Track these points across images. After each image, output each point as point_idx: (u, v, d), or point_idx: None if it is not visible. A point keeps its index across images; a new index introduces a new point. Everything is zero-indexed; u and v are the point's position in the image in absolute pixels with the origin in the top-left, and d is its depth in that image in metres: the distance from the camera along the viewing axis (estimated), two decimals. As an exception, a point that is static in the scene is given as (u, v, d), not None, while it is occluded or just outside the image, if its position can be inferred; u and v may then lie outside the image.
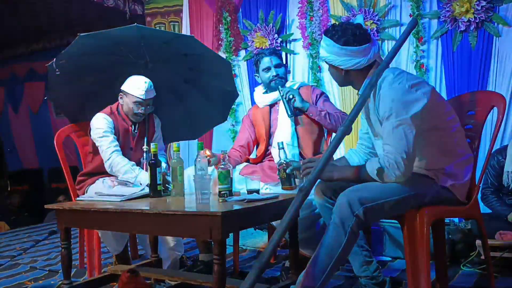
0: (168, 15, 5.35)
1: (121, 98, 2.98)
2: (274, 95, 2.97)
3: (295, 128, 2.91)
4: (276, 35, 4.45)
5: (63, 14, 6.56)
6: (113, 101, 3.06)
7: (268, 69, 2.96)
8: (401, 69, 2.08)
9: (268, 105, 3.03)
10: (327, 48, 2.11)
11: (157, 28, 5.34)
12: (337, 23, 2.15)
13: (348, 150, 2.45)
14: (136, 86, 2.90)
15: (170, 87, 3.19)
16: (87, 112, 3.13)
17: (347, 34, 2.07)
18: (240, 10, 4.74)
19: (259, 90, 3.10)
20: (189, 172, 2.69)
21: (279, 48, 4.45)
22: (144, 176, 2.75)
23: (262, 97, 3.04)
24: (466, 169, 2.06)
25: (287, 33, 4.47)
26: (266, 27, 4.47)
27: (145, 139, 3.03)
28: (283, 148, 2.44)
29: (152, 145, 2.58)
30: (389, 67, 2.02)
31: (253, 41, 4.56)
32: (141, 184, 2.74)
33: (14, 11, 6.27)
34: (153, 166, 2.48)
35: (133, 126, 3.03)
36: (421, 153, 2.04)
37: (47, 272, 3.24)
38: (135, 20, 6.27)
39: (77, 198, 2.75)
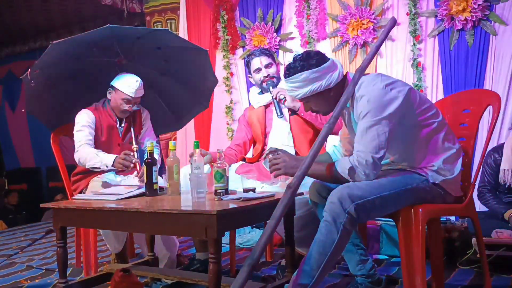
0: (164, 12, 5.35)
1: (109, 93, 3.00)
2: (269, 95, 2.95)
3: (290, 128, 2.91)
4: (274, 34, 4.45)
5: (60, 12, 6.54)
6: (91, 102, 3.09)
7: (258, 70, 2.94)
8: (378, 73, 2.11)
9: (263, 105, 3.01)
10: (306, 82, 2.07)
11: (155, 26, 5.34)
12: (291, 62, 2.14)
13: (331, 146, 2.44)
14: (127, 84, 2.93)
15: (147, 82, 3.19)
16: (65, 117, 3.17)
17: (312, 57, 2.08)
18: (237, 8, 4.74)
19: (254, 90, 3.08)
20: (185, 171, 2.70)
21: (278, 46, 4.45)
22: (108, 158, 2.78)
23: (257, 98, 3.02)
24: (455, 163, 2.07)
25: (284, 31, 4.47)
26: (265, 25, 4.46)
27: (132, 132, 3.05)
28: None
29: (148, 143, 2.58)
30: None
31: (251, 39, 4.56)
32: (107, 166, 2.78)
33: (12, 9, 6.26)
34: (149, 164, 2.47)
35: (118, 121, 3.05)
36: (408, 152, 2.06)
37: (44, 271, 3.24)
38: (133, 18, 6.35)
39: (73, 197, 2.75)
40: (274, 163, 2.15)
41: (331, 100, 2.11)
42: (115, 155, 2.78)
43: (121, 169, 2.77)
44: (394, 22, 2.12)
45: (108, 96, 3.01)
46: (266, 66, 2.93)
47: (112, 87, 2.98)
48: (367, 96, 1.96)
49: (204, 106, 3.56)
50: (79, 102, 3.13)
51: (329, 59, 2.12)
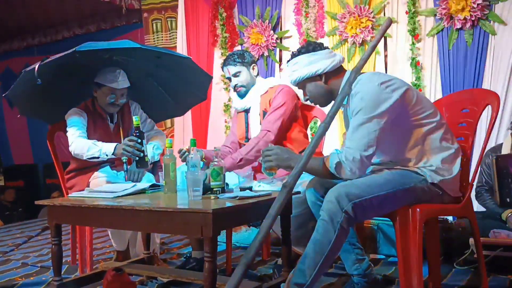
0: (165, 10, 5.33)
1: (95, 91, 2.96)
2: (245, 102, 2.90)
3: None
4: (272, 32, 4.43)
5: (58, 9, 6.51)
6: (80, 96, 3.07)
7: (229, 78, 2.91)
8: (377, 71, 2.13)
9: (242, 110, 2.97)
10: (300, 66, 2.17)
11: (153, 24, 5.32)
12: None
13: (333, 150, 2.43)
14: (109, 77, 2.88)
15: (144, 73, 3.17)
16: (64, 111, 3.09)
17: (310, 44, 2.21)
18: (236, 6, 4.72)
19: (234, 94, 3.01)
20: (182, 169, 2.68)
21: (275, 44, 4.43)
22: (108, 146, 2.73)
23: (237, 103, 2.97)
24: (454, 162, 2.05)
25: (283, 29, 4.45)
26: (262, 23, 4.45)
27: (121, 129, 3.03)
28: None
29: (134, 118, 2.64)
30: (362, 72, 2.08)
31: (249, 37, 4.54)
32: (107, 155, 2.74)
33: (9, 5, 6.22)
34: (138, 138, 2.61)
35: (109, 118, 3.02)
36: (403, 152, 2.05)
37: (39, 268, 3.22)
38: (131, 15, 6.31)
39: (69, 195, 2.73)
40: (266, 155, 2.17)
41: (323, 89, 2.18)
42: (115, 143, 2.74)
43: (129, 156, 2.69)
44: (389, 23, 2.14)
45: (95, 94, 2.97)
46: (234, 75, 2.87)
47: (96, 83, 2.93)
48: (361, 93, 1.98)
49: (179, 114, 3.63)
50: (74, 96, 3.09)
51: (325, 48, 2.20)
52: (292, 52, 2.25)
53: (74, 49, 2.58)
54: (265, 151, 2.18)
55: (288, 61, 2.25)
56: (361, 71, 2.04)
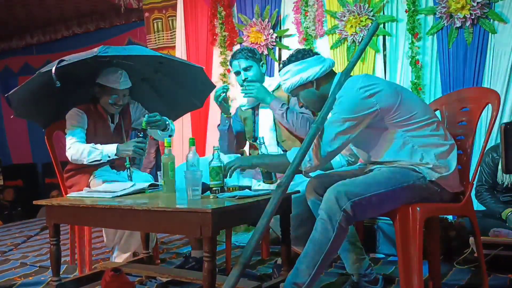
0: (165, 9, 5.31)
1: (97, 91, 2.95)
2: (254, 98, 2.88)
3: (275, 129, 2.83)
4: (271, 30, 4.42)
5: (57, 7, 6.50)
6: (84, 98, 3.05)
7: (238, 73, 2.86)
8: (366, 74, 2.19)
9: (250, 107, 2.95)
10: (291, 74, 2.21)
11: (154, 23, 5.31)
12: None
13: None
14: (111, 78, 2.88)
15: (140, 76, 3.17)
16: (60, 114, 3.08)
17: (298, 52, 2.25)
18: (235, 4, 4.71)
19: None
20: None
21: (274, 43, 4.42)
22: (109, 148, 2.79)
23: (244, 100, 2.95)
24: (450, 158, 2.05)
25: (282, 28, 4.44)
26: (262, 22, 4.43)
27: (122, 129, 3.05)
28: (263, 143, 2.42)
29: (144, 119, 2.79)
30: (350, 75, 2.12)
31: (248, 36, 4.53)
32: (109, 157, 2.79)
33: (8, 4, 6.22)
34: (144, 138, 2.80)
35: (110, 119, 3.02)
36: (397, 152, 2.05)
37: (38, 268, 3.21)
38: (130, 14, 6.30)
39: (68, 195, 2.72)
40: (228, 163, 2.27)
41: (315, 95, 2.21)
42: (116, 144, 2.79)
43: (140, 154, 2.81)
44: (376, 26, 2.20)
45: (97, 94, 2.96)
46: (245, 69, 2.83)
47: (98, 84, 2.92)
48: (342, 97, 2.02)
49: (171, 119, 3.57)
50: (71, 98, 3.06)
51: (314, 55, 2.22)
52: (283, 61, 2.28)
53: (95, 53, 2.56)
54: (227, 164, 2.27)
55: (280, 70, 2.27)
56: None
